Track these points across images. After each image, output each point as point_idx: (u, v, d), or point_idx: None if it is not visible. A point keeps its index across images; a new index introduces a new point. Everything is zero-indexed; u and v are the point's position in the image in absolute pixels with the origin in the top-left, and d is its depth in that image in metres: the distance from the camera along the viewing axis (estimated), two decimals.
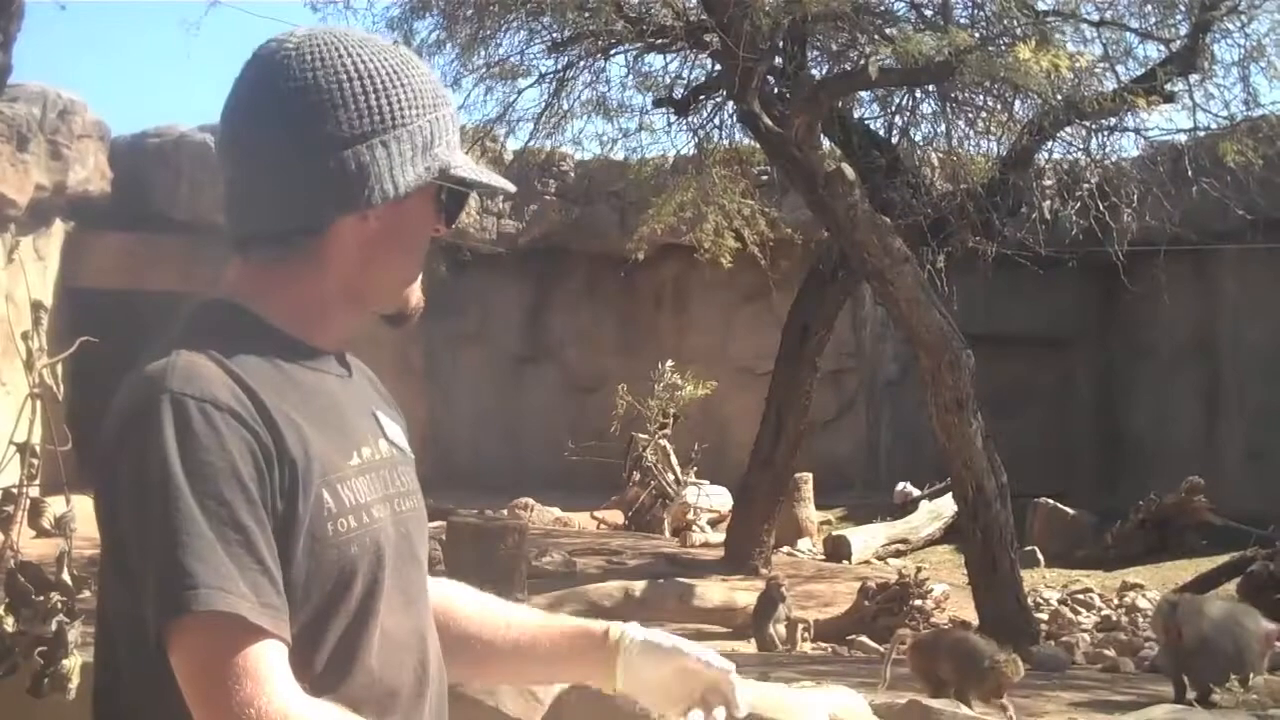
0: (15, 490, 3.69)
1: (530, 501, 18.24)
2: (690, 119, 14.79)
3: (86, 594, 3.64)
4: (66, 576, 3.52)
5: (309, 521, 1.63)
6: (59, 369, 3.70)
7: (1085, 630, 12.25)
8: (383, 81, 1.73)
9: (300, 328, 1.76)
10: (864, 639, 11.59)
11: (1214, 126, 12.34)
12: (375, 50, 1.75)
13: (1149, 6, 12.07)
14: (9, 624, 3.56)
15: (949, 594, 12.86)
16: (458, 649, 1.97)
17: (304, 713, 1.55)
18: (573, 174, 21.97)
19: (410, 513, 1.82)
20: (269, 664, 1.55)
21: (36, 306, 3.85)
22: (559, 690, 5.18)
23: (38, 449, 3.71)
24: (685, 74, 14.64)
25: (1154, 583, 14.48)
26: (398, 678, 1.73)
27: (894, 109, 14.36)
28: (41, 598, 3.53)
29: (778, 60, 12.34)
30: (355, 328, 1.84)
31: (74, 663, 3.49)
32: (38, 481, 3.78)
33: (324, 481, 1.66)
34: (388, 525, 1.74)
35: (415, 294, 1.84)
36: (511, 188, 2.01)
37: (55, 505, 3.73)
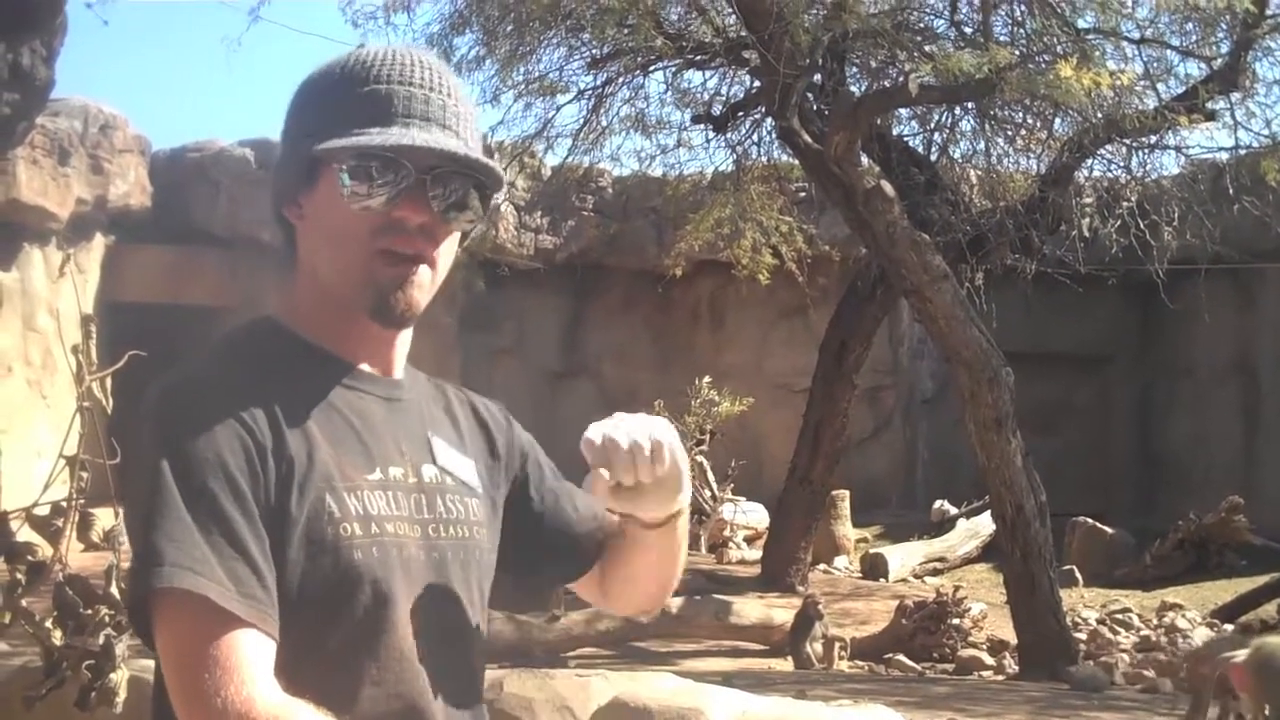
0: (64, 504, 3.71)
1: None
2: (728, 135, 14.81)
3: None
4: (115, 590, 3.52)
5: (305, 523, 1.63)
6: (108, 383, 3.71)
7: (1124, 650, 12.19)
8: (332, 81, 1.76)
9: (329, 340, 1.78)
10: (901, 658, 11.56)
11: (1255, 145, 12.27)
12: (355, 54, 1.77)
13: (1190, 24, 11.98)
14: (57, 637, 3.57)
15: (987, 613, 12.80)
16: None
17: (272, 705, 1.50)
18: (610, 190, 21.99)
19: (452, 541, 1.78)
20: (243, 654, 1.52)
21: (87, 320, 3.87)
22: (594, 708, 5.20)
23: (86, 462, 3.73)
24: (724, 90, 14.68)
25: (1193, 603, 14.40)
26: (417, 698, 1.69)
27: (933, 126, 14.35)
28: (89, 611, 3.55)
29: (817, 77, 12.34)
30: (377, 337, 1.80)
31: (121, 676, 3.48)
32: (86, 494, 3.80)
33: (329, 487, 1.65)
34: (410, 545, 1.71)
35: (406, 291, 1.73)
36: (405, 142, 1.68)
37: (104, 518, 3.75)
